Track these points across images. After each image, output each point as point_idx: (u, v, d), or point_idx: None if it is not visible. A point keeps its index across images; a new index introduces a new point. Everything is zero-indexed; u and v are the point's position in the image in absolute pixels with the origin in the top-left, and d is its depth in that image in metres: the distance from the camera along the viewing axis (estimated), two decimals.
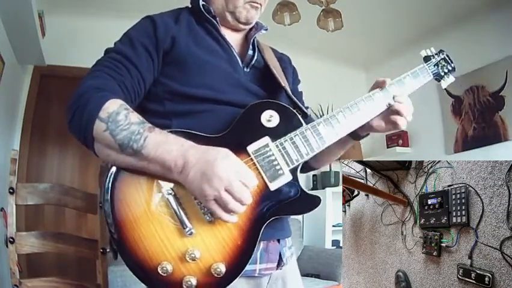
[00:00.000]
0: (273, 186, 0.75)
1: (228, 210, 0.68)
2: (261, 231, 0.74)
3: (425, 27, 3.42)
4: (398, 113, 0.86)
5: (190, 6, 0.95)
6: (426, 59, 0.99)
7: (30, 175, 2.86)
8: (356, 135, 0.92)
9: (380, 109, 0.87)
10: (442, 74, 0.99)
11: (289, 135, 0.79)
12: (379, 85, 0.89)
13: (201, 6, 0.91)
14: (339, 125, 0.83)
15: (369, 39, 3.66)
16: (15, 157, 1.64)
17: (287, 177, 0.77)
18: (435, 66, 0.98)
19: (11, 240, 1.48)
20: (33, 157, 2.92)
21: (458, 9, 3.14)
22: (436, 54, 1.00)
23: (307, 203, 0.78)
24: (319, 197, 0.78)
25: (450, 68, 1.00)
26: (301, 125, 0.81)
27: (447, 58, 1.01)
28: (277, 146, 0.78)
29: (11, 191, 1.53)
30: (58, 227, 2.82)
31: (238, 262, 0.71)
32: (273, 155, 0.77)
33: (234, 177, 0.67)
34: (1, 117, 2.50)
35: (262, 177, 0.75)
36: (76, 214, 2.81)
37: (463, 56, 3.16)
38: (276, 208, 0.75)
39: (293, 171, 0.78)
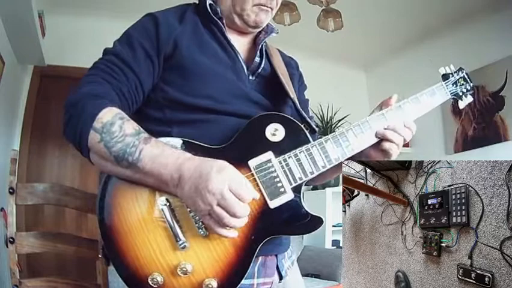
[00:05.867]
0: (272, 204, 0.72)
1: (224, 225, 0.65)
2: (258, 249, 0.71)
3: (425, 27, 3.42)
4: (387, 139, 0.81)
5: (197, 2, 0.89)
6: (445, 77, 0.93)
7: (30, 175, 2.87)
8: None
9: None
10: (460, 93, 0.94)
11: (294, 151, 0.75)
12: (387, 104, 0.84)
13: (208, 6, 0.85)
14: (348, 143, 0.78)
15: (369, 39, 3.66)
16: (15, 157, 1.63)
17: (289, 196, 0.73)
18: (454, 85, 0.93)
19: (11, 240, 1.48)
20: (33, 157, 2.93)
21: (458, 9, 3.14)
22: (455, 72, 0.95)
23: (308, 224, 0.74)
24: (321, 219, 0.74)
25: (468, 88, 0.96)
26: (308, 141, 0.77)
27: (466, 77, 0.96)
28: (280, 162, 0.74)
29: (11, 191, 1.52)
30: (58, 227, 2.82)
31: (232, 279, 0.69)
32: (275, 171, 0.73)
33: (227, 191, 0.64)
34: (1, 117, 2.50)
35: (262, 194, 0.72)
36: (76, 214, 2.81)
37: (463, 56, 3.17)
38: (275, 227, 0.73)
39: (296, 190, 0.74)
